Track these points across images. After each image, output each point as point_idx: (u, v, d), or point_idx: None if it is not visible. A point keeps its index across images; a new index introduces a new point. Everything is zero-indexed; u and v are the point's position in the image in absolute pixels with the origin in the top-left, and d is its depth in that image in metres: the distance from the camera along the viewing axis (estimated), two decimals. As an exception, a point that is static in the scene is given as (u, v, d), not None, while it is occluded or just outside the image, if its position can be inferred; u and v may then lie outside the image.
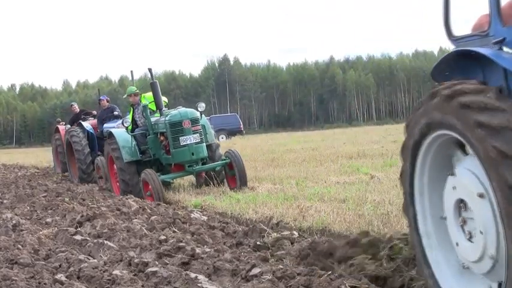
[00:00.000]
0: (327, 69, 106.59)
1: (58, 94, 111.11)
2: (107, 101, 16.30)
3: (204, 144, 10.75)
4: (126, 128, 11.31)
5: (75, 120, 17.50)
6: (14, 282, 4.56)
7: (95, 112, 17.18)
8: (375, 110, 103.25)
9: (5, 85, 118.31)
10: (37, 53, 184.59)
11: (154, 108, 11.63)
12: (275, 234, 5.87)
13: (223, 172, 11.10)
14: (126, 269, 5.06)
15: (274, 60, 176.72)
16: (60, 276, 4.84)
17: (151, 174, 10.20)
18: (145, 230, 6.84)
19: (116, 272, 4.81)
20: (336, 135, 38.71)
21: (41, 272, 5.02)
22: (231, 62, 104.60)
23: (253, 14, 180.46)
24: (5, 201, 11.14)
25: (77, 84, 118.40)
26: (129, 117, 11.77)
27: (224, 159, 10.88)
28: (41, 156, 32.27)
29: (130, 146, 11.13)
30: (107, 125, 15.86)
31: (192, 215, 7.63)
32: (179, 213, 7.82)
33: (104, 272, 4.91)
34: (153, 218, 7.61)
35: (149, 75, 11.85)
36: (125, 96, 12.09)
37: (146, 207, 8.67)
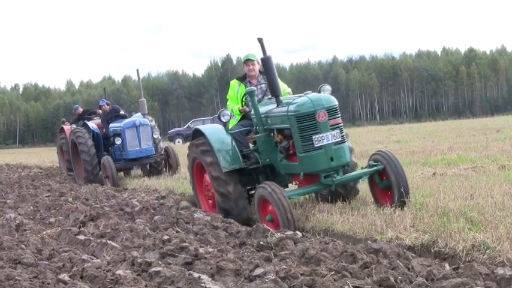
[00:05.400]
0: (330, 69, 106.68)
1: (61, 94, 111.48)
2: (107, 104, 16.33)
3: (346, 144, 7.26)
4: (224, 124, 8.09)
5: (78, 120, 17.52)
6: (17, 282, 4.56)
7: (99, 111, 17.15)
8: (378, 110, 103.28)
9: (9, 85, 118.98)
10: (40, 53, 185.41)
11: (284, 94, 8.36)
12: (278, 234, 5.86)
13: (369, 182, 7.61)
14: (129, 269, 5.06)
15: (277, 60, 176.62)
16: (64, 276, 4.83)
17: (275, 190, 6.71)
18: (148, 230, 6.84)
19: (119, 271, 4.80)
20: (339, 135, 38.67)
21: (44, 272, 5.02)
22: (234, 62, 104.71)
23: (256, 14, 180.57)
24: (8, 201, 11.13)
25: (80, 84, 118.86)
26: (230, 109, 8.31)
27: (375, 164, 7.37)
28: (44, 156, 32.38)
29: (229, 149, 7.86)
30: (112, 125, 15.89)
31: (195, 215, 7.62)
32: (182, 213, 7.81)
33: (107, 271, 4.91)
34: (156, 218, 7.60)
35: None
36: (244, 59, 8.72)
37: (149, 207, 8.68)
